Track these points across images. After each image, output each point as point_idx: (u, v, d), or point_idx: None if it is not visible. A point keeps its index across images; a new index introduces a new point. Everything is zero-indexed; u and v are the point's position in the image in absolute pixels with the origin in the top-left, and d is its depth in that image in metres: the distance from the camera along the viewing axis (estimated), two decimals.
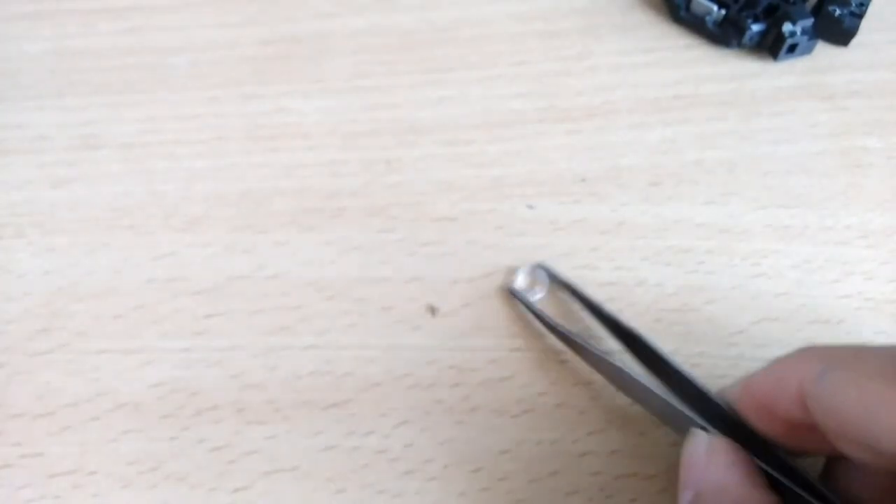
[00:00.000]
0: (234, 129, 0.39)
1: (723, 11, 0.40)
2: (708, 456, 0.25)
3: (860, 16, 0.40)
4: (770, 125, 0.38)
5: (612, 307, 0.31)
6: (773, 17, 0.40)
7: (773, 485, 0.24)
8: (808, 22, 0.39)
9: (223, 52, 0.42)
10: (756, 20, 0.40)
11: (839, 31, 0.40)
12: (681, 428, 0.27)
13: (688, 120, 0.39)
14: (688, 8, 0.41)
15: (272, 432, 0.30)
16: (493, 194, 0.36)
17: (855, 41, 0.41)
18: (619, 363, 0.28)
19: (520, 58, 0.41)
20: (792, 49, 0.40)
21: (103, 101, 0.40)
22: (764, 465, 0.25)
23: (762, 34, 0.40)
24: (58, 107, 0.40)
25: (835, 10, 0.40)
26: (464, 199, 0.36)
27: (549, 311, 0.32)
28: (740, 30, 0.40)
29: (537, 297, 0.33)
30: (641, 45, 0.42)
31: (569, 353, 0.31)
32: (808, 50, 0.40)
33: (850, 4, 0.40)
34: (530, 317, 0.32)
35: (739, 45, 0.41)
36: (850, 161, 0.37)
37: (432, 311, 0.33)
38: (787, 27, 0.39)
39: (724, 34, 0.41)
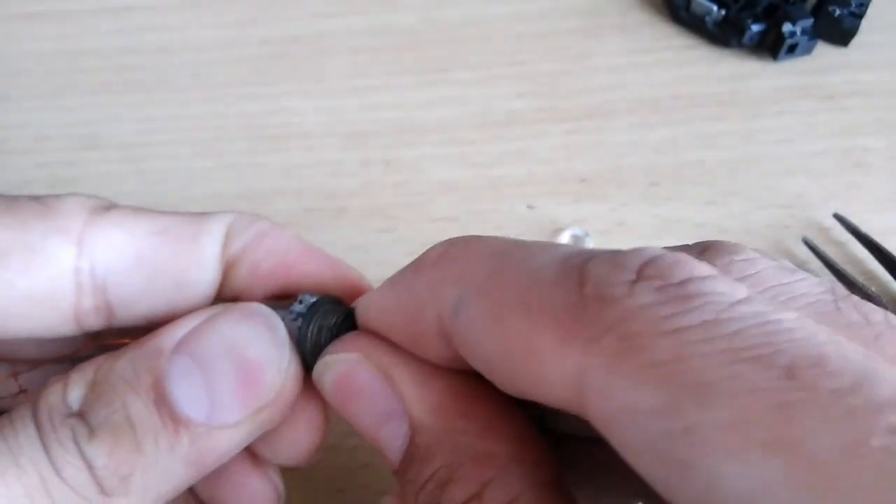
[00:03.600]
0: (234, 129, 0.39)
1: (723, 11, 0.40)
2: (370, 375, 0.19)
3: (860, 16, 0.40)
4: (770, 125, 0.38)
5: None
6: (773, 17, 0.40)
7: None
8: (808, 22, 0.39)
9: (223, 52, 0.42)
10: (756, 20, 0.40)
11: (839, 31, 0.40)
12: None
13: (688, 120, 0.39)
14: (688, 8, 0.41)
15: None
16: (493, 194, 0.36)
17: (855, 41, 0.41)
18: None
19: (520, 58, 0.41)
20: (792, 49, 0.40)
21: (103, 101, 0.40)
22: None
23: (762, 34, 0.40)
24: (58, 107, 0.40)
25: (835, 10, 0.40)
26: (464, 199, 0.36)
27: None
28: (740, 30, 0.40)
29: None
30: (641, 45, 0.42)
31: None
32: (808, 50, 0.40)
33: (850, 4, 0.40)
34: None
35: (739, 45, 0.41)
36: (850, 161, 0.37)
37: None
38: (787, 27, 0.39)
39: (724, 34, 0.41)
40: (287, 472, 0.29)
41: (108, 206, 0.21)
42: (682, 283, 0.14)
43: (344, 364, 0.20)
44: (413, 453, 0.18)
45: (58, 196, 0.21)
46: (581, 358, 0.14)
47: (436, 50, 0.42)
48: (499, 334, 0.16)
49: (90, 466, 0.18)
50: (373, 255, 0.34)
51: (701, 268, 0.14)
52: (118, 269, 0.20)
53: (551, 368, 0.15)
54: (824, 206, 0.35)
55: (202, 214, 0.22)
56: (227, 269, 0.22)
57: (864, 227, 0.34)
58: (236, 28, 0.43)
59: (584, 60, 0.41)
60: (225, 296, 0.22)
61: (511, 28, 0.43)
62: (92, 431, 0.18)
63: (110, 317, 0.21)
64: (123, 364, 0.19)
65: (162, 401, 0.19)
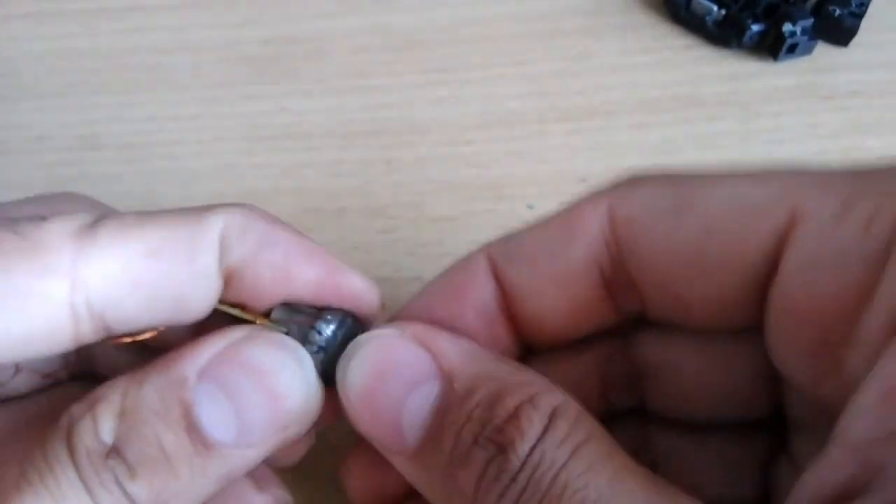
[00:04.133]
0: (234, 129, 0.39)
1: (723, 11, 0.40)
2: (427, 335, 0.22)
3: (860, 16, 0.40)
4: (770, 125, 0.38)
5: None
6: (773, 17, 0.40)
7: None
8: (808, 22, 0.39)
9: (223, 52, 0.42)
10: (756, 20, 0.40)
11: (839, 31, 0.40)
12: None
13: (688, 120, 0.39)
14: (688, 8, 0.41)
15: None
16: (493, 194, 0.36)
17: (855, 41, 0.41)
18: None
19: (520, 58, 0.41)
20: (792, 49, 0.40)
21: (103, 101, 0.40)
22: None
23: (762, 34, 0.40)
24: (58, 107, 0.40)
25: (835, 10, 0.40)
26: (464, 199, 0.36)
27: None
28: (740, 30, 0.40)
29: None
30: (641, 45, 0.42)
31: None
32: (808, 50, 0.40)
33: (850, 4, 0.40)
34: None
35: (739, 45, 0.41)
36: (850, 161, 0.37)
37: None
38: (787, 27, 0.39)
39: (724, 34, 0.41)
40: (287, 472, 0.29)
41: (93, 225, 0.20)
42: None
43: (382, 338, 0.22)
44: (449, 400, 0.20)
45: (37, 223, 0.20)
46: None
47: (436, 50, 0.42)
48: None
49: (133, 502, 0.20)
50: (373, 255, 0.34)
51: None
52: (113, 296, 0.21)
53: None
54: None
55: (194, 223, 0.22)
56: (227, 278, 0.22)
57: None
58: (236, 28, 0.43)
59: (584, 60, 0.41)
60: (225, 300, 0.23)
61: (511, 28, 0.43)
62: (132, 470, 0.19)
63: (109, 333, 0.22)
64: (149, 392, 0.20)
65: (193, 429, 0.20)
